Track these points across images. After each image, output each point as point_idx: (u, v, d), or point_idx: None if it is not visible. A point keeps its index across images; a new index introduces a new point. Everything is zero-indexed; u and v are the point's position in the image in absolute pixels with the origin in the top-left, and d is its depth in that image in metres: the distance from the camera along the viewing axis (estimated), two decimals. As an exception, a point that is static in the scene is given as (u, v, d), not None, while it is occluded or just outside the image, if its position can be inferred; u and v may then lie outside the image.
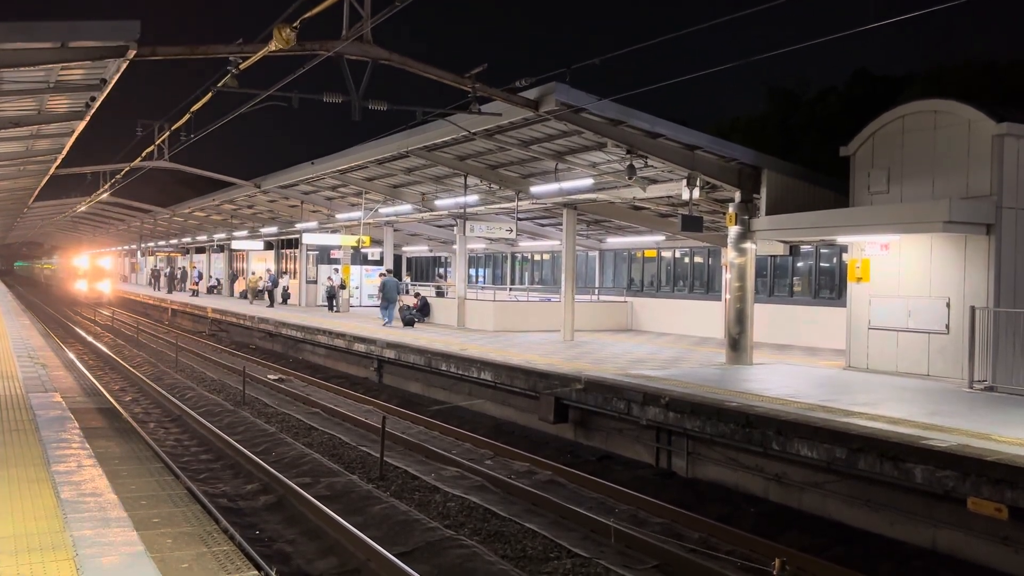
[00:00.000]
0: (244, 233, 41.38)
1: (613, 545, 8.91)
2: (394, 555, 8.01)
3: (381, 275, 27.80)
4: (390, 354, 19.60)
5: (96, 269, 56.38)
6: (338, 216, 30.59)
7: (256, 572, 5.24)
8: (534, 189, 19.89)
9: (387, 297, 25.51)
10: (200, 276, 50.88)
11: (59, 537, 5.64)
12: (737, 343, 15.81)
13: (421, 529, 8.99)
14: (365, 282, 35.62)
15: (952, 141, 13.41)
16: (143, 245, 62.15)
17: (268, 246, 41.41)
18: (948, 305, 13.43)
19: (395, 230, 31.59)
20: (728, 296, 16.43)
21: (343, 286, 31.87)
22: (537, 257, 33.52)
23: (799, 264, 21.38)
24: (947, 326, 13.44)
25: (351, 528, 8.81)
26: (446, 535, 8.78)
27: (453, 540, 8.62)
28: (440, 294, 30.49)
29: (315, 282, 37.24)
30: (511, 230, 22.71)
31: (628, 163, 15.64)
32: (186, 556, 5.44)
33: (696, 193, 15.62)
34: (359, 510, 9.86)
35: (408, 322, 24.65)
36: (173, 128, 18.10)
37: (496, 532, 9.18)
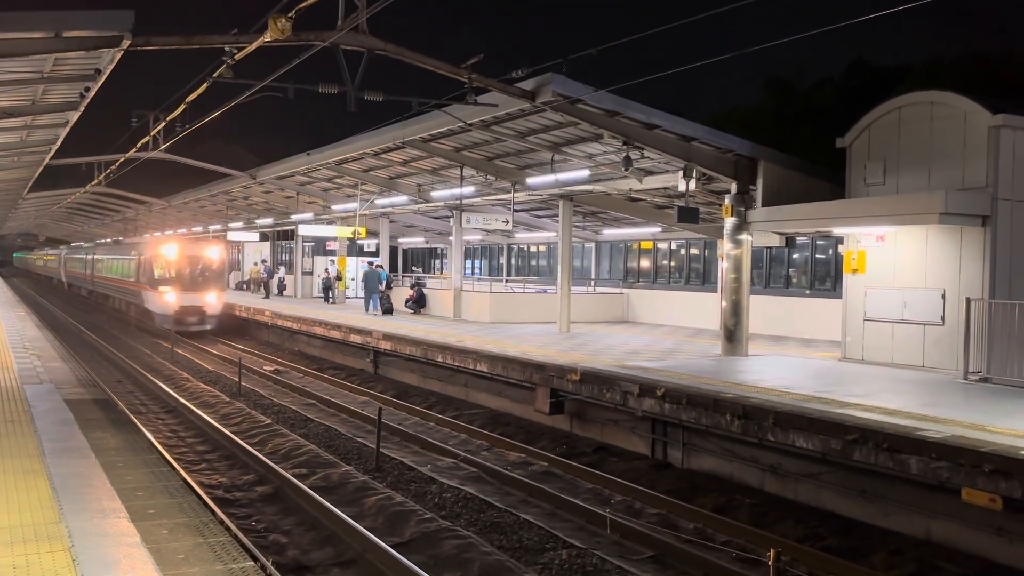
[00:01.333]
0: (240, 224, 41.25)
1: (609, 536, 8.93)
2: (390, 546, 8.03)
3: (379, 266, 27.90)
4: (386, 345, 19.59)
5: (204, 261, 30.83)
6: (334, 207, 30.51)
7: (252, 563, 5.24)
8: (530, 180, 19.85)
9: (369, 287, 26.46)
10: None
11: (55, 528, 5.63)
12: (733, 335, 15.82)
13: (417, 520, 9.00)
14: (361, 274, 35.54)
15: (948, 133, 13.40)
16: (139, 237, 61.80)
17: (264, 237, 41.29)
18: (943, 297, 13.44)
19: (391, 222, 31.51)
20: (724, 288, 16.42)
21: (339, 277, 31.82)
22: (534, 249, 33.47)
23: (795, 256, 21.38)
24: (942, 318, 13.46)
25: (347, 519, 8.82)
26: (442, 526, 8.79)
27: (449, 531, 8.64)
28: (419, 284, 30.23)
29: (311, 273, 37.15)
30: (507, 221, 22.67)
31: (624, 154, 15.61)
32: (182, 547, 5.44)
33: (692, 184, 15.59)
34: (355, 501, 9.87)
35: (386, 310, 25.58)
36: (168, 119, 17.98)
37: (492, 523, 9.20)
